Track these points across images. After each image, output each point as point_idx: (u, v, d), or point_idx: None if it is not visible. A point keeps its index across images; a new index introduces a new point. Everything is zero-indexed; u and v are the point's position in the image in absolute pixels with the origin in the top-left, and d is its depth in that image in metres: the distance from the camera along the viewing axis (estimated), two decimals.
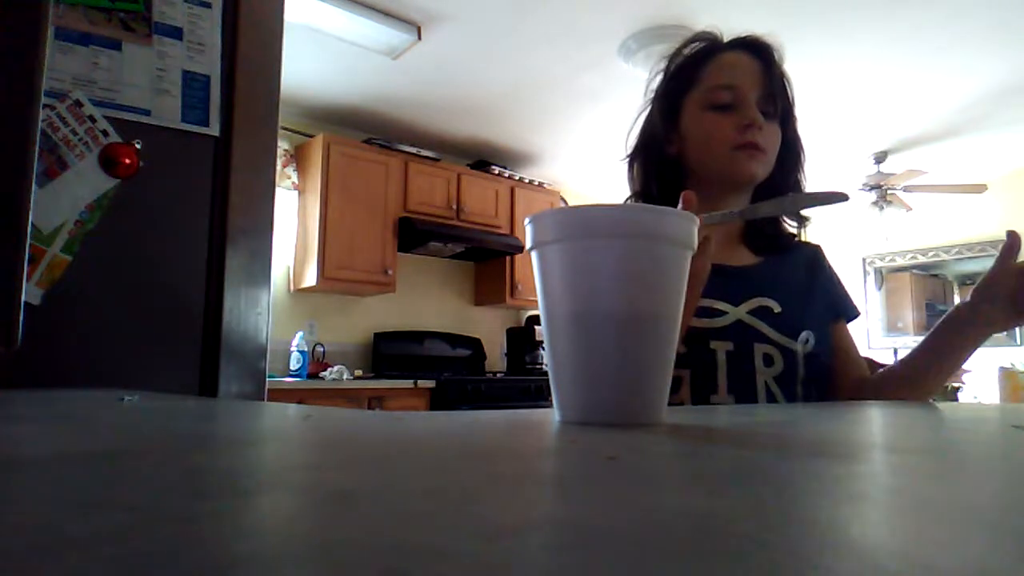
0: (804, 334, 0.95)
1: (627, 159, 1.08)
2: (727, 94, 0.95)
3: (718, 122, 0.95)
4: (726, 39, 1.02)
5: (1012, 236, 0.83)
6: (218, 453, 0.29)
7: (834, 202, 0.79)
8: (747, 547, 0.14)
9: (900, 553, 0.14)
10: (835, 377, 1.00)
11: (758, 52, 0.99)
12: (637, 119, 1.08)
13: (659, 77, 1.06)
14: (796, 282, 1.02)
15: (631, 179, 1.08)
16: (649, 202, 1.02)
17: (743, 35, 1.01)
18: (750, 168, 0.95)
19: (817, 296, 1.02)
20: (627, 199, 1.07)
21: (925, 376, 0.91)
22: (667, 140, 1.02)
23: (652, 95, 1.06)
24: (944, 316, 0.90)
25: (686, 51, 1.03)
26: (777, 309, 0.95)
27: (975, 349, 0.88)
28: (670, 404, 0.45)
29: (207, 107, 1.04)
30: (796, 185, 1.04)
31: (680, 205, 0.71)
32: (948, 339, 0.89)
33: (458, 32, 2.94)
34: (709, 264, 0.76)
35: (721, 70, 0.98)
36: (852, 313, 1.06)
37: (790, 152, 1.01)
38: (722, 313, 0.93)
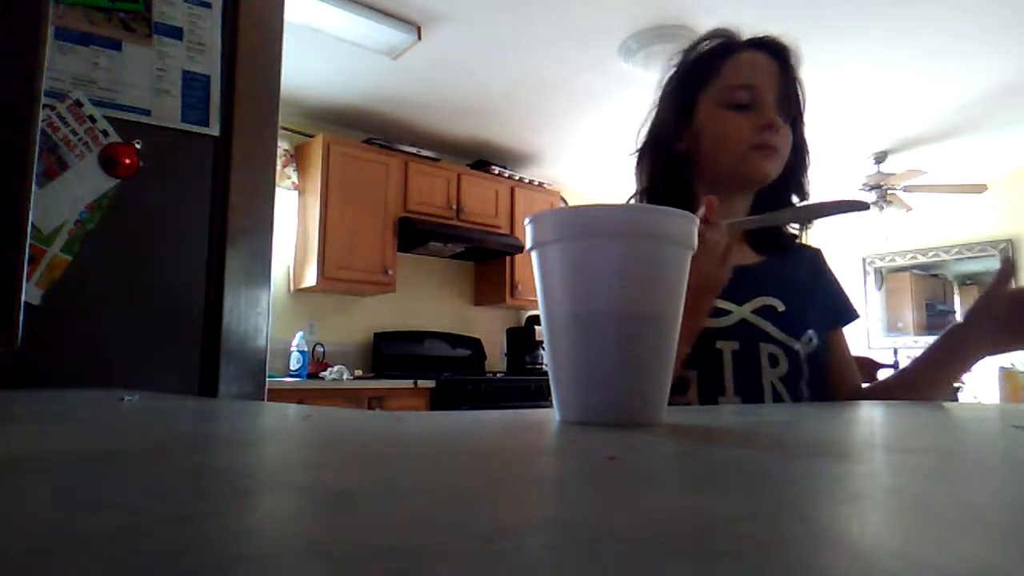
0: (808, 333, 0.95)
1: (635, 155, 1.07)
2: (745, 93, 0.95)
3: (735, 121, 0.95)
4: (743, 38, 1.02)
5: (1006, 263, 0.85)
6: (218, 453, 0.29)
7: (854, 211, 0.79)
8: (747, 547, 0.14)
9: (900, 553, 0.14)
10: (830, 383, 1.00)
11: (776, 54, 0.98)
12: (648, 115, 1.07)
13: (671, 72, 1.04)
14: (798, 282, 1.02)
15: (638, 176, 1.06)
16: (654, 199, 1.01)
17: (762, 35, 1.00)
18: (765, 168, 0.94)
19: (818, 299, 1.02)
20: (631, 197, 1.06)
21: (920, 391, 0.92)
22: (677, 136, 1.00)
23: (663, 90, 1.05)
24: (940, 335, 0.91)
25: (703, 47, 1.02)
26: (781, 308, 0.95)
27: (970, 367, 0.89)
28: (678, 405, 0.45)
29: (207, 107, 1.04)
30: (800, 188, 1.04)
31: (702, 210, 0.71)
32: (944, 357, 0.90)
33: (458, 32, 2.94)
34: (730, 271, 0.76)
35: (740, 69, 0.97)
36: (852, 316, 1.06)
37: (796, 155, 1.01)
38: (726, 312, 0.92)
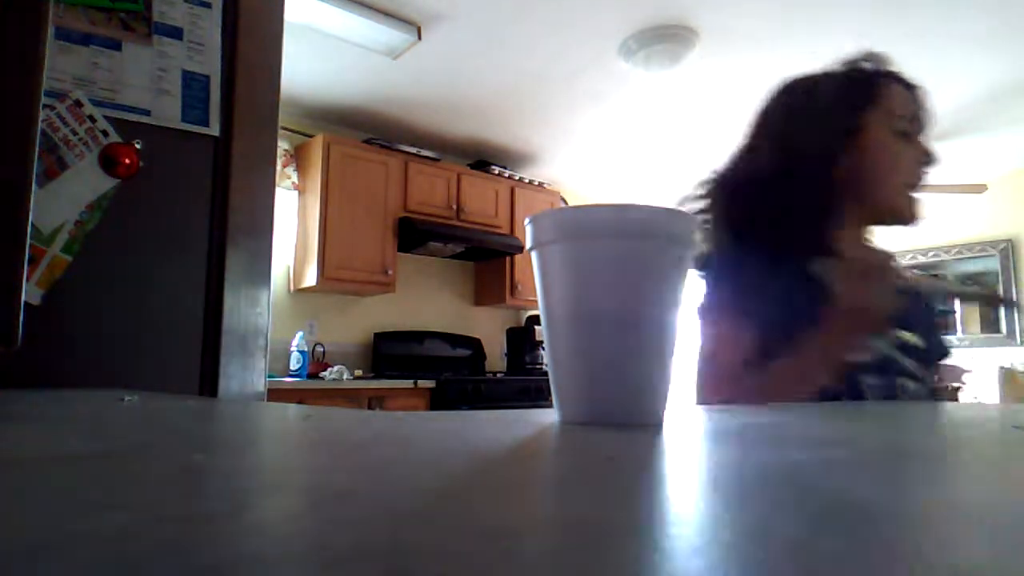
0: (936, 367, 0.94)
1: (744, 179, 0.93)
2: (908, 124, 0.90)
3: (904, 150, 0.89)
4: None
5: None
6: (218, 453, 0.29)
7: (999, 305, 0.80)
8: (746, 547, 0.14)
9: (899, 553, 0.14)
10: None
11: (916, 98, 0.93)
12: (755, 135, 0.96)
13: (816, 88, 0.94)
14: (921, 316, 0.98)
15: (755, 202, 0.91)
16: (780, 229, 0.88)
17: (908, 76, 0.94)
18: (920, 209, 0.90)
19: (933, 332, 1.00)
20: (722, 233, 0.93)
21: None
22: (841, 154, 0.89)
23: (813, 104, 0.93)
24: None
25: (865, 66, 0.94)
26: (916, 342, 0.92)
27: None
28: None
29: (207, 107, 1.04)
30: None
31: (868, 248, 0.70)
32: None
33: (458, 32, 2.94)
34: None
35: (903, 99, 0.91)
36: (948, 352, 1.04)
37: None
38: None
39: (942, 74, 3.36)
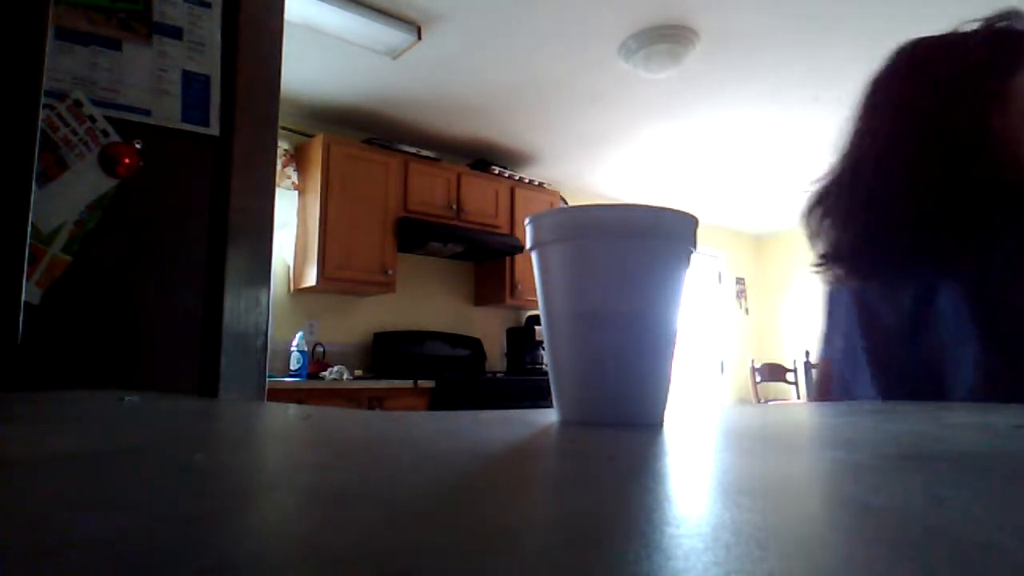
0: None
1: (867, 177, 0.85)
2: None
3: None
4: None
5: None
6: (218, 453, 0.29)
7: None
8: (745, 547, 0.14)
9: (899, 553, 0.14)
10: None
11: None
12: (893, 95, 0.85)
13: (944, 61, 0.84)
14: None
15: (871, 206, 0.84)
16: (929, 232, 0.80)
17: None
18: None
19: None
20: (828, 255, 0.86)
21: None
22: (984, 140, 0.80)
23: (956, 60, 0.82)
24: None
25: (1000, 24, 0.84)
26: None
27: None
28: None
29: (207, 107, 1.04)
30: None
31: None
32: None
33: (458, 32, 2.94)
34: None
35: None
36: None
37: None
38: None
39: None
